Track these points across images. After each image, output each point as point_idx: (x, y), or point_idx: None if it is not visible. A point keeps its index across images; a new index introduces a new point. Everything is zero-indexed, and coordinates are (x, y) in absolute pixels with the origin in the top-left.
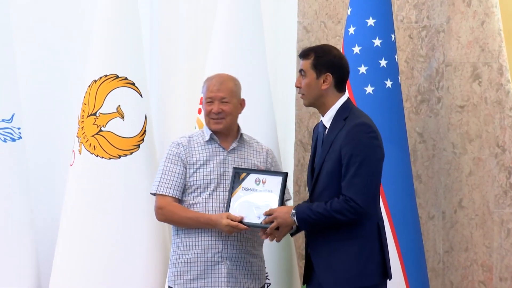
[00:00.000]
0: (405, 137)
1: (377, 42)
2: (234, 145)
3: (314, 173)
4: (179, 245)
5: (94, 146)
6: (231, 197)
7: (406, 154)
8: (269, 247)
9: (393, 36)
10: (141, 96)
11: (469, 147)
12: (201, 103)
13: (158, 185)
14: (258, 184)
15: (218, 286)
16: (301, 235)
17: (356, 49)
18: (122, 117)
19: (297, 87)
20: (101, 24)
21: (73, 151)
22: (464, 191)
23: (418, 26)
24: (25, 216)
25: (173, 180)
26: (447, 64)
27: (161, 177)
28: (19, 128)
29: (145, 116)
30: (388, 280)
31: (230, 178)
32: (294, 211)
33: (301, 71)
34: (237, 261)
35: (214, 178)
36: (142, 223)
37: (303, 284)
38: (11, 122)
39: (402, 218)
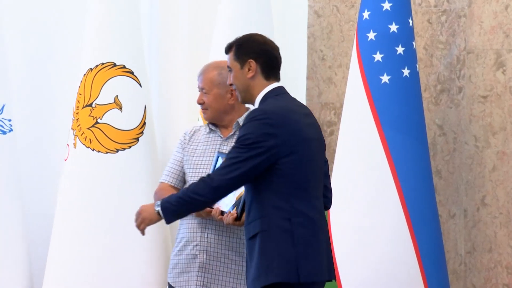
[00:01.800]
0: (423, 130)
1: (393, 27)
2: (231, 133)
3: None
4: (176, 238)
5: (90, 139)
6: None
7: (425, 148)
8: None
9: (410, 21)
10: (140, 86)
11: (493, 140)
12: None
13: (162, 174)
14: None
15: (192, 280)
16: None
17: (371, 35)
18: (120, 108)
19: (230, 84)
20: (97, 9)
21: (68, 144)
22: (487, 188)
23: (437, 10)
24: (16, 213)
25: (171, 168)
26: (468, 51)
27: (167, 165)
28: (10, 120)
29: (145, 107)
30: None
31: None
32: (159, 202)
33: (228, 68)
34: (215, 256)
35: (206, 166)
36: None
37: None
38: (1, 113)
39: (420, 216)
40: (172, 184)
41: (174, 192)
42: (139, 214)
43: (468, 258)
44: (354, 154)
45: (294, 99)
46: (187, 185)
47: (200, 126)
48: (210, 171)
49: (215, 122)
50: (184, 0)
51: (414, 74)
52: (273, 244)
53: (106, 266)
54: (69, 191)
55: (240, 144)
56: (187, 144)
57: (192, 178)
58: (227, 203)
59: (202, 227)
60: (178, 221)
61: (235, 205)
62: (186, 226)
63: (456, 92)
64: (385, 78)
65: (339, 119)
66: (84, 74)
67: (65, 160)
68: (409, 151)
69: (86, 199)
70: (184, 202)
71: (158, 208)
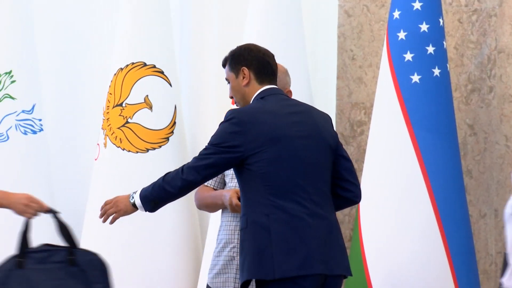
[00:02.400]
0: (454, 130)
1: (424, 27)
2: None
3: None
4: (217, 240)
5: (120, 139)
6: None
7: (455, 147)
8: None
9: (441, 20)
10: (170, 86)
11: None
12: None
13: None
14: None
15: (230, 282)
16: None
17: (402, 35)
18: (150, 107)
19: (231, 97)
20: (128, 9)
21: (98, 144)
22: None
23: (468, 9)
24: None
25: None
26: (499, 50)
27: None
28: (40, 120)
29: (175, 107)
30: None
31: None
32: (138, 190)
33: (226, 81)
34: None
35: None
36: (171, 221)
37: None
38: (31, 113)
39: (451, 216)
40: (214, 187)
41: (210, 191)
42: (115, 203)
43: (499, 258)
44: (384, 154)
45: (286, 98)
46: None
47: None
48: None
49: None
50: (215, 0)
51: (445, 73)
52: (251, 241)
53: (136, 266)
54: (100, 191)
55: (209, 143)
56: None
57: (228, 179)
58: None
59: (239, 228)
60: (218, 222)
61: None
62: (224, 227)
63: (486, 91)
64: (415, 78)
65: (369, 119)
66: (115, 74)
67: (96, 159)
68: (440, 151)
69: None
70: (158, 190)
71: (133, 199)
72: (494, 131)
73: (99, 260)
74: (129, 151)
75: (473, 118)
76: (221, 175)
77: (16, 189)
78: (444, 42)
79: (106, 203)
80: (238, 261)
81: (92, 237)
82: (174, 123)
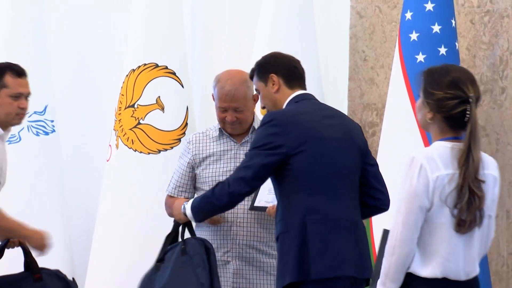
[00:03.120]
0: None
1: (436, 28)
2: (246, 138)
3: None
4: None
5: (132, 140)
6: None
7: None
8: None
9: (453, 21)
10: (183, 87)
11: None
12: (216, 107)
13: (168, 185)
14: None
15: (227, 286)
16: None
17: (414, 36)
18: (162, 109)
19: (263, 108)
20: (140, 10)
21: (110, 145)
22: None
23: (480, 10)
24: (59, 214)
25: (177, 181)
26: (511, 51)
27: (172, 177)
28: (52, 121)
29: (187, 108)
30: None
31: None
32: (190, 201)
33: (256, 91)
34: (247, 260)
35: (224, 174)
36: None
37: None
38: (43, 114)
39: None
40: (181, 197)
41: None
42: (175, 211)
43: (510, 259)
44: (396, 155)
45: (319, 103)
46: (198, 193)
47: (205, 130)
48: None
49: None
50: (227, 1)
51: None
52: (289, 244)
53: (148, 265)
54: (111, 192)
55: (252, 147)
56: (198, 153)
57: (210, 186)
58: (267, 200)
59: (232, 233)
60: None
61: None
62: (212, 233)
63: (499, 92)
64: None
65: (381, 120)
66: (127, 75)
67: (107, 160)
68: None
69: (128, 199)
70: (205, 203)
71: (184, 209)
72: (506, 132)
73: (201, 243)
74: (140, 152)
75: (485, 119)
76: (185, 182)
77: (27, 190)
78: (456, 43)
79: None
80: (276, 266)
81: (104, 237)
82: (186, 124)
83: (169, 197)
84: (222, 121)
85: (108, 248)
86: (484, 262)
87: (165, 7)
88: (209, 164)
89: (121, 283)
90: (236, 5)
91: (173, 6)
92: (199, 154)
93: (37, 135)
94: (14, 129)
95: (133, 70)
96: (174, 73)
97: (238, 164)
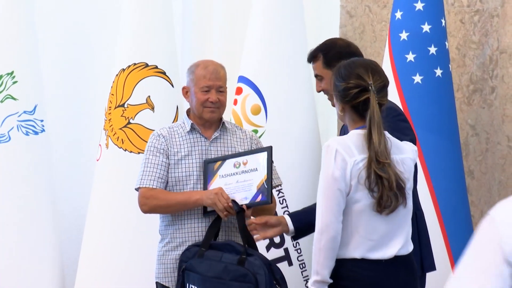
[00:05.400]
0: (456, 130)
1: (426, 27)
2: (216, 134)
3: None
4: (170, 241)
5: (122, 139)
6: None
7: (457, 148)
8: None
9: (443, 21)
10: (173, 86)
11: None
12: (185, 93)
13: (142, 179)
14: (238, 167)
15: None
16: None
17: (404, 35)
18: (152, 108)
19: (319, 91)
20: (130, 10)
21: (100, 145)
22: None
23: (470, 10)
24: (49, 213)
25: (156, 172)
26: (501, 51)
27: (143, 171)
28: (42, 121)
29: (177, 108)
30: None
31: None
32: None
33: (317, 76)
34: None
35: (195, 170)
36: None
37: None
38: (33, 114)
39: (453, 216)
40: (161, 189)
41: (161, 189)
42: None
43: None
44: None
45: None
46: (174, 190)
47: (171, 126)
48: (202, 182)
49: (209, 122)
50: (217, 1)
51: (447, 74)
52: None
53: (138, 266)
54: (102, 191)
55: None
56: (170, 147)
57: (185, 181)
58: (244, 196)
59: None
60: (160, 222)
61: (263, 192)
62: (186, 229)
63: (488, 92)
64: (417, 78)
65: None
66: (117, 75)
67: (97, 160)
68: (442, 151)
69: (118, 199)
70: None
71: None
72: (496, 131)
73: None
74: (131, 151)
75: (475, 119)
76: (162, 173)
77: (17, 190)
78: (446, 43)
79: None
80: None
81: (94, 236)
82: None
83: (149, 190)
84: (203, 104)
85: (98, 247)
86: None
87: (155, 7)
88: (180, 160)
89: (111, 282)
90: (226, 4)
91: (163, 6)
92: (171, 147)
93: (27, 134)
94: (3, 129)
95: (123, 69)
96: (164, 73)
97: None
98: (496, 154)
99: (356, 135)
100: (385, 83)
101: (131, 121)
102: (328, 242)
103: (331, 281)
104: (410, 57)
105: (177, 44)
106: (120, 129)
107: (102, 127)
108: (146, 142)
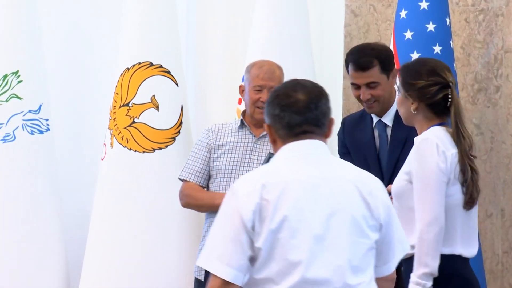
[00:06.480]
0: None
1: (430, 26)
2: (264, 132)
3: (383, 173)
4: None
5: (126, 138)
6: None
7: None
8: None
9: (448, 20)
10: (177, 85)
11: None
12: (241, 92)
13: (182, 171)
14: None
15: None
16: None
17: (408, 34)
18: (157, 107)
19: (366, 100)
20: (134, 9)
21: (104, 144)
22: None
23: (475, 9)
24: (53, 212)
25: (196, 166)
26: (506, 50)
27: (186, 163)
28: (47, 120)
29: (181, 107)
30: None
31: (260, 164)
32: None
33: (371, 84)
34: None
35: (238, 164)
36: (177, 221)
37: None
38: (38, 113)
39: None
40: (200, 184)
41: (197, 187)
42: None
43: (505, 257)
44: None
45: None
46: (215, 182)
47: (225, 123)
48: (239, 172)
49: (260, 122)
50: (221, 0)
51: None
52: None
53: (143, 265)
54: (106, 191)
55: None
56: (215, 141)
57: (225, 174)
58: None
59: None
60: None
61: None
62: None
63: (493, 91)
64: None
65: None
66: (121, 74)
67: (102, 159)
68: None
69: (123, 198)
70: None
71: None
72: (501, 130)
73: None
74: (135, 151)
75: (479, 118)
76: (201, 168)
77: (22, 189)
78: (451, 42)
79: None
80: None
81: (99, 236)
82: (181, 123)
83: (186, 183)
84: (254, 103)
85: (103, 247)
86: (478, 261)
87: (159, 6)
88: (223, 153)
89: (116, 282)
90: (231, 4)
91: (167, 5)
92: (216, 140)
93: (32, 134)
94: (8, 128)
95: (128, 68)
96: (168, 72)
97: (253, 157)
98: (501, 153)
99: (440, 130)
100: (456, 81)
101: (135, 120)
102: (437, 234)
103: (437, 274)
104: (415, 56)
105: (181, 43)
106: (125, 128)
107: (107, 126)
108: (151, 141)
